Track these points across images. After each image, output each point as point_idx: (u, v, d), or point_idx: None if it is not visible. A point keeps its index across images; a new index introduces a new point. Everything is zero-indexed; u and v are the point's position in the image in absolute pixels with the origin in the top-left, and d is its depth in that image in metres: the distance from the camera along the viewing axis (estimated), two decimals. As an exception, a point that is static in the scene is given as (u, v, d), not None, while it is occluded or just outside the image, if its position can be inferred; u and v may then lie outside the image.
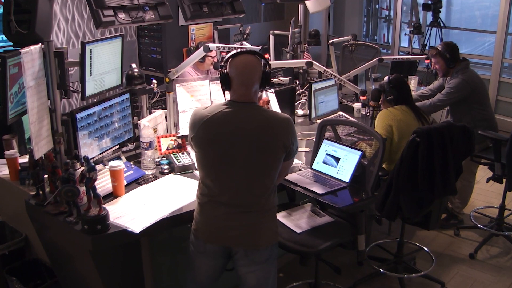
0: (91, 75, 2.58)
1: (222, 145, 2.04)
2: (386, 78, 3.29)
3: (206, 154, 2.08)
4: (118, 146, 2.80)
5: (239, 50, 2.16)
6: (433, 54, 3.95)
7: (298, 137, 3.27)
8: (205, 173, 2.11)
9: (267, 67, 2.16)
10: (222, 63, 2.13)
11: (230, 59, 2.10)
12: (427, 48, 6.07)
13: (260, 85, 2.12)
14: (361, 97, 3.77)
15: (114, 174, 2.39)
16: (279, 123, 2.07)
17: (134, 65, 2.97)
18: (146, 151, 2.72)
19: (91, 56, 2.53)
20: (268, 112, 2.13)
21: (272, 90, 3.19)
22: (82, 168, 2.13)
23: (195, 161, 2.74)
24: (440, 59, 3.89)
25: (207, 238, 2.11)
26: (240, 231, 2.06)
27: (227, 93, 2.13)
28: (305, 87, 4.26)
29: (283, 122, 2.08)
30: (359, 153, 2.67)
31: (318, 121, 3.47)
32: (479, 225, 3.85)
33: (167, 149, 2.86)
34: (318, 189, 2.57)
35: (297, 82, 4.39)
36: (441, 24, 6.16)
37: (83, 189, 2.17)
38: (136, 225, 2.16)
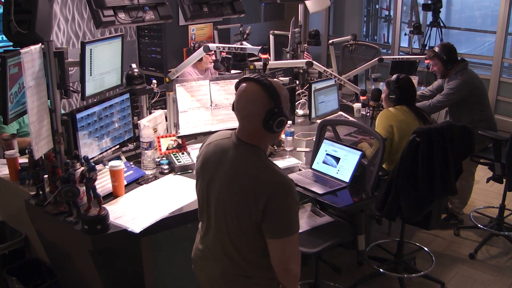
0: (91, 75, 2.58)
1: (206, 176, 1.79)
2: (394, 76, 3.27)
3: (197, 177, 1.87)
4: (118, 146, 2.80)
5: (247, 76, 1.76)
6: (431, 56, 3.95)
7: (298, 137, 3.26)
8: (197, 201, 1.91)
9: (276, 105, 1.66)
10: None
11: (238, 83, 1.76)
12: (427, 48, 6.07)
13: (263, 126, 1.67)
14: (361, 97, 3.76)
15: (114, 174, 2.39)
16: (266, 184, 1.64)
17: (134, 65, 2.97)
18: (146, 151, 2.72)
19: (91, 56, 2.53)
20: (263, 167, 1.70)
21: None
22: (82, 168, 2.13)
23: (195, 161, 2.75)
24: (438, 61, 3.89)
25: (193, 267, 1.98)
26: (209, 279, 1.86)
27: None
28: (305, 87, 4.26)
29: (272, 184, 1.65)
30: (359, 153, 2.67)
31: (318, 121, 3.47)
32: (479, 225, 3.85)
33: (167, 149, 2.86)
34: (318, 189, 2.57)
35: (297, 82, 4.39)
36: (441, 24, 6.16)
37: (83, 189, 2.17)
38: (136, 225, 2.16)
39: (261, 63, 3.08)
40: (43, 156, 2.36)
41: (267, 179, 1.66)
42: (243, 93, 1.70)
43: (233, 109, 1.76)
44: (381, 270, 3.27)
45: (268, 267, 1.74)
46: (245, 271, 1.78)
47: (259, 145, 1.74)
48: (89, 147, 2.54)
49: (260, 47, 3.06)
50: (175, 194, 2.47)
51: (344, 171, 2.68)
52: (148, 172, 2.70)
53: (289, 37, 4.47)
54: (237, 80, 1.76)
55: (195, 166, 1.90)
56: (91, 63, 2.55)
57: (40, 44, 2.34)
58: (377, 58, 4.06)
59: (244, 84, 1.71)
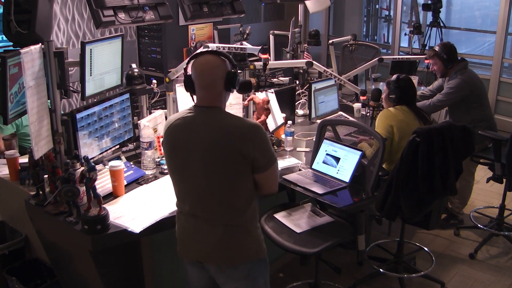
0: (91, 75, 2.58)
1: (182, 154, 1.93)
2: (394, 76, 3.27)
3: (170, 163, 2.00)
4: (118, 146, 2.80)
5: (202, 50, 2.03)
6: (431, 56, 3.95)
7: (298, 137, 3.26)
8: (174, 183, 2.04)
9: (234, 67, 1.98)
10: (185, 65, 2.02)
11: (192, 60, 1.96)
12: (427, 48, 6.07)
13: (225, 87, 1.94)
14: (361, 97, 3.76)
15: (114, 174, 2.39)
16: (239, 129, 1.88)
17: (134, 65, 2.97)
18: (146, 151, 2.72)
19: (91, 56, 2.53)
20: (231, 118, 1.94)
21: (272, 90, 3.19)
22: (82, 168, 2.13)
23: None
24: (438, 60, 3.89)
25: (183, 253, 2.06)
26: (208, 246, 1.97)
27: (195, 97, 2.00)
28: (305, 87, 4.26)
29: (244, 129, 1.88)
30: (359, 153, 2.67)
31: (318, 121, 3.47)
32: (479, 225, 3.85)
33: (167, 149, 2.86)
34: (318, 189, 2.57)
35: (297, 82, 4.39)
36: (441, 24, 6.16)
37: (83, 189, 2.17)
38: (136, 225, 2.16)
39: (261, 63, 3.08)
40: (43, 156, 2.36)
41: (242, 126, 1.90)
42: (205, 65, 1.92)
43: (187, 85, 1.97)
44: (381, 270, 3.27)
45: (255, 214, 2.03)
46: (238, 222, 1.97)
47: (220, 105, 1.98)
48: (89, 147, 2.54)
49: (260, 47, 3.06)
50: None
51: (344, 171, 2.68)
52: (148, 172, 2.70)
53: (289, 37, 4.48)
54: (189, 59, 1.99)
55: (164, 150, 2.03)
56: (91, 63, 2.55)
57: (40, 44, 2.34)
58: (377, 58, 4.05)
59: (201, 58, 1.93)
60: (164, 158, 2.75)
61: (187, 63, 2.01)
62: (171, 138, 1.97)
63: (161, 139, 2.09)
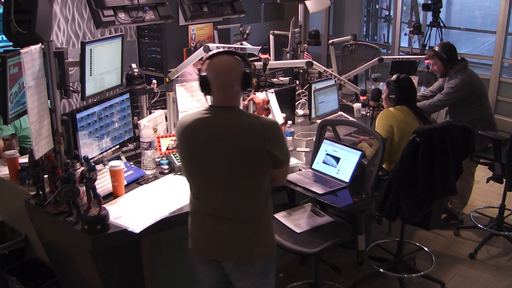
0: (91, 75, 2.58)
1: (202, 155, 1.93)
2: (394, 76, 3.27)
3: (189, 164, 1.99)
4: (118, 146, 2.80)
5: (217, 50, 2.04)
6: (431, 56, 3.95)
7: (298, 137, 3.27)
8: (191, 183, 2.03)
9: (248, 67, 2.01)
10: (199, 66, 2.01)
11: (208, 60, 1.97)
12: (427, 48, 6.07)
13: (241, 87, 1.96)
14: (361, 97, 3.76)
15: (114, 174, 2.39)
16: (260, 128, 1.92)
17: (134, 65, 2.97)
18: (146, 151, 2.72)
19: (91, 56, 2.53)
20: (249, 117, 2.01)
21: (272, 90, 3.19)
22: (82, 168, 2.13)
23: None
24: (438, 60, 3.89)
25: (199, 251, 2.04)
26: (228, 244, 1.97)
27: (208, 98, 2.02)
28: (305, 87, 4.26)
29: (265, 127, 1.92)
30: (359, 153, 2.67)
31: (318, 121, 3.47)
32: (479, 225, 3.85)
33: (167, 149, 2.86)
34: (318, 189, 2.57)
35: (297, 82, 4.39)
36: (441, 24, 6.16)
37: (83, 189, 2.17)
38: (136, 225, 2.16)
39: (261, 63, 3.08)
40: (43, 156, 2.36)
41: (263, 124, 1.94)
42: (222, 65, 1.93)
43: (203, 86, 1.97)
44: (381, 270, 3.27)
45: (271, 209, 2.07)
46: (260, 219, 2.00)
47: (237, 105, 2.01)
48: (89, 147, 2.54)
49: (260, 47, 3.06)
50: (175, 194, 2.47)
51: (344, 171, 2.68)
52: (148, 172, 2.70)
53: (289, 37, 4.48)
54: (205, 58, 1.98)
55: (181, 152, 2.01)
56: (91, 63, 2.55)
57: (40, 44, 2.34)
58: (377, 58, 4.05)
59: (217, 58, 1.95)
60: (164, 159, 2.77)
61: (202, 64, 1.99)
62: (190, 139, 1.95)
63: (176, 143, 2.04)
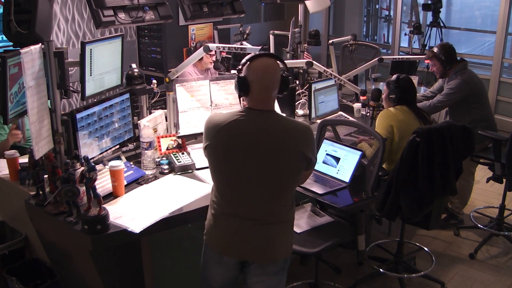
0: (91, 75, 2.58)
1: (237, 157, 1.92)
2: (394, 76, 3.27)
3: (220, 165, 1.97)
4: (118, 146, 2.80)
5: (256, 53, 2.00)
6: (429, 57, 3.95)
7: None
8: (220, 184, 2.01)
9: (285, 71, 2.04)
10: (239, 66, 1.98)
11: (248, 62, 1.94)
12: (427, 48, 6.07)
13: (279, 91, 1.98)
14: (361, 97, 3.76)
15: (114, 174, 2.39)
16: (298, 132, 1.95)
17: (134, 65, 2.97)
18: (146, 151, 2.72)
19: (91, 56, 2.53)
20: (287, 121, 1.99)
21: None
22: (82, 168, 2.13)
23: (195, 161, 2.75)
24: (436, 61, 3.89)
25: (223, 250, 2.02)
26: (257, 245, 1.98)
27: (242, 99, 2.00)
28: (305, 87, 4.26)
29: (303, 132, 1.96)
30: (359, 153, 2.67)
31: (318, 121, 3.47)
32: (479, 225, 3.85)
33: (167, 149, 2.86)
34: (318, 189, 2.57)
35: (297, 82, 4.39)
36: (441, 24, 6.16)
37: (83, 189, 2.17)
38: (136, 225, 2.17)
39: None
40: (43, 156, 2.36)
41: (300, 128, 1.97)
42: (266, 68, 1.93)
43: (242, 87, 1.93)
44: (381, 270, 3.27)
45: (295, 207, 2.10)
46: (288, 218, 2.05)
47: (274, 108, 1.99)
48: (89, 147, 2.54)
49: (260, 47, 3.06)
50: (175, 194, 2.47)
51: (344, 171, 2.68)
52: (148, 172, 2.70)
53: (289, 37, 4.48)
54: (245, 59, 1.96)
55: (213, 152, 1.98)
56: (91, 63, 2.55)
57: (40, 44, 2.34)
58: (377, 58, 4.05)
59: (260, 60, 1.93)
60: (164, 159, 2.77)
61: (242, 65, 1.97)
62: (225, 140, 1.93)
63: (204, 143, 1.99)
